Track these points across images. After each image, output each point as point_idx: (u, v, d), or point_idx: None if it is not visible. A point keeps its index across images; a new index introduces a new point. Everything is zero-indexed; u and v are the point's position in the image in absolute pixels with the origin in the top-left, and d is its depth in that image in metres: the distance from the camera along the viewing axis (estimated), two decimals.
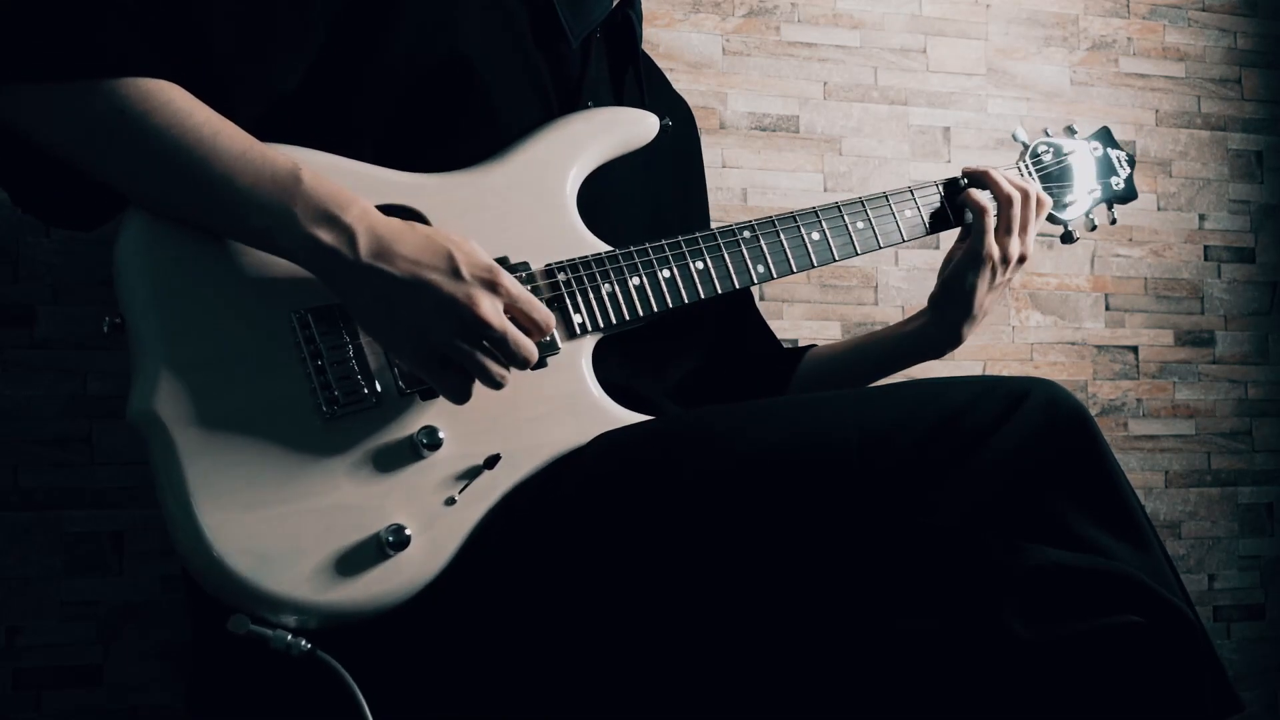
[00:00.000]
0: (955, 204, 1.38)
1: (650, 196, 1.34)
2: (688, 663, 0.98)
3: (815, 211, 1.27)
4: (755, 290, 1.79)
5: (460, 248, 0.98)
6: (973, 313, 1.38)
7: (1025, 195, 1.36)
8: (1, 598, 1.45)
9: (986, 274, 1.35)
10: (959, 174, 1.40)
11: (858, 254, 1.31)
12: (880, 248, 1.33)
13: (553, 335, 1.09)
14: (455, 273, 0.97)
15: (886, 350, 1.47)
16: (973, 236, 1.35)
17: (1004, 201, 1.35)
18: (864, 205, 1.31)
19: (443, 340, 0.97)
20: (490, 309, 0.97)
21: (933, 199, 1.37)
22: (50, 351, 1.48)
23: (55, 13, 0.95)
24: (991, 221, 1.34)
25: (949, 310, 1.39)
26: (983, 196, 1.35)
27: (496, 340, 0.97)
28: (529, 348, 1.00)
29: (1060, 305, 1.95)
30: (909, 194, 1.36)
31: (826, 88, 1.86)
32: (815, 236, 1.27)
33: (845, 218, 1.29)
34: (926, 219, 1.37)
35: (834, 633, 0.96)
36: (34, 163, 0.99)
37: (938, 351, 1.45)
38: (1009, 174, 1.38)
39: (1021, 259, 1.37)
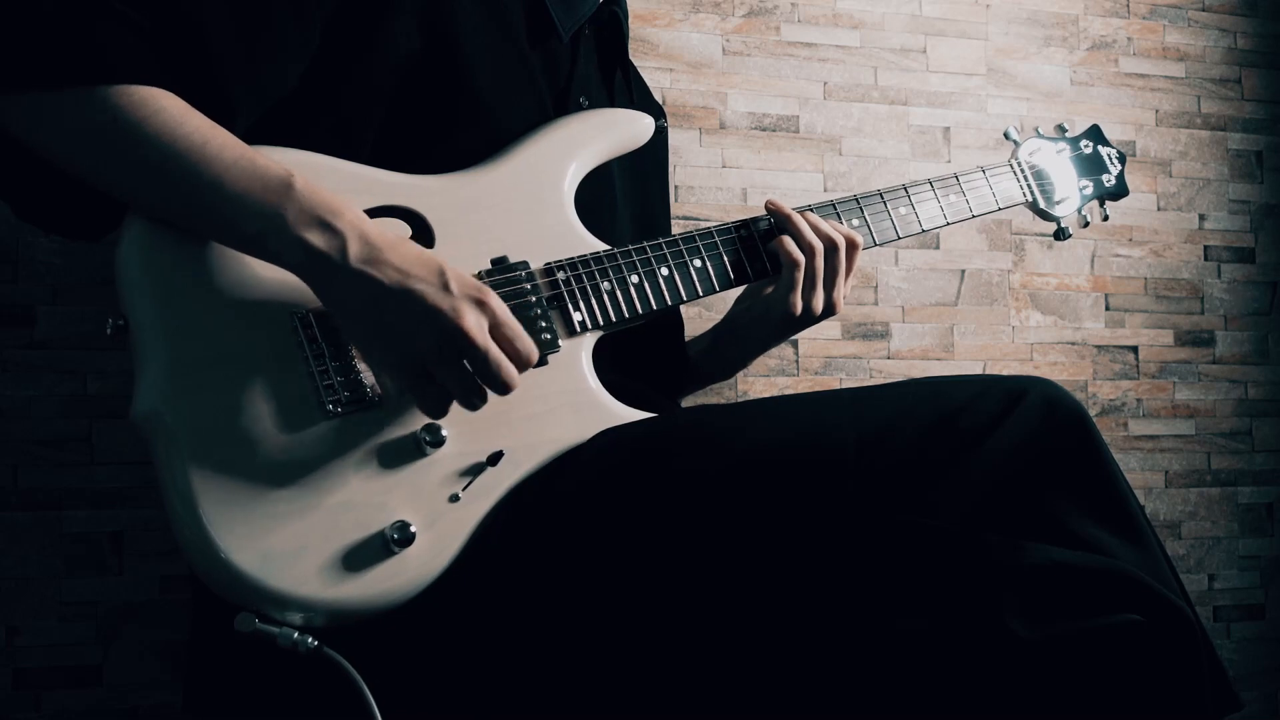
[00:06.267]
0: (767, 250, 1.24)
1: (638, 196, 1.35)
2: (688, 660, 0.98)
3: (810, 208, 1.28)
4: None
5: (452, 267, 0.98)
6: (749, 362, 1.39)
7: (833, 246, 1.24)
8: (1, 598, 1.45)
9: (783, 331, 1.29)
10: (764, 212, 1.25)
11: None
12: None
13: (554, 332, 1.09)
14: (445, 286, 0.96)
15: (687, 373, 1.44)
16: (779, 288, 1.24)
17: (807, 253, 1.22)
18: (859, 202, 1.31)
19: (424, 351, 0.96)
20: (475, 324, 0.96)
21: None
22: (50, 351, 1.48)
23: (49, 20, 0.94)
24: (800, 277, 1.22)
25: (728, 350, 1.38)
26: (793, 246, 1.22)
27: (478, 358, 0.96)
28: (510, 372, 0.97)
29: (1060, 305, 1.95)
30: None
31: (826, 88, 1.86)
32: None
33: (840, 214, 1.30)
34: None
35: (833, 632, 0.96)
36: (34, 172, 0.99)
37: (712, 380, 1.46)
38: (817, 221, 1.25)
39: (830, 311, 1.26)
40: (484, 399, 0.99)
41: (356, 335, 0.99)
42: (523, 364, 0.99)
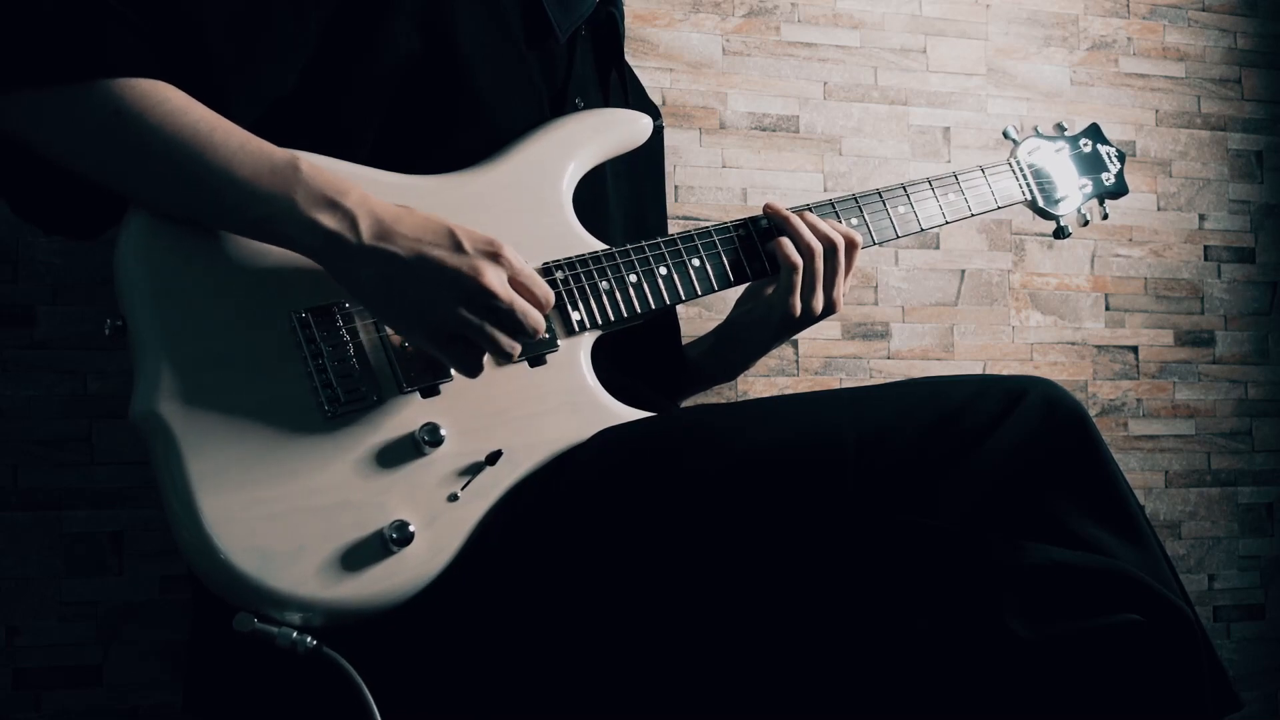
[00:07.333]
0: (766, 249, 1.24)
1: (635, 197, 1.35)
2: (687, 660, 0.98)
3: (809, 207, 1.27)
4: None
5: (459, 225, 0.99)
6: (752, 363, 1.40)
7: (832, 247, 1.24)
8: (1, 598, 1.45)
9: (783, 332, 1.29)
10: (760, 214, 1.25)
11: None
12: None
13: (552, 332, 1.09)
14: (458, 247, 0.97)
15: (688, 374, 1.44)
16: (778, 290, 1.24)
17: (806, 256, 1.23)
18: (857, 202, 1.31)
19: (449, 313, 0.97)
20: (495, 278, 0.97)
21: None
22: (50, 351, 1.48)
23: (48, 19, 0.95)
24: (800, 280, 1.23)
25: (730, 352, 1.39)
26: (792, 249, 1.22)
27: (503, 310, 0.98)
28: (536, 317, 1.00)
29: (1060, 305, 1.95)
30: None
31: (826, 88, 1.86)
32: None
33: (839, 213, 1.30)
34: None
35: (833, 632, 0.96)
36: (33, 170, 0.99)
37: (715, 382, 1.47)
38: (816, 221, 1.24)
39: (830, 311, 1.26)
40: (517, 350, 1.01)
41: (377, 309, 1.00)
42: (543, 308, 1.02)
